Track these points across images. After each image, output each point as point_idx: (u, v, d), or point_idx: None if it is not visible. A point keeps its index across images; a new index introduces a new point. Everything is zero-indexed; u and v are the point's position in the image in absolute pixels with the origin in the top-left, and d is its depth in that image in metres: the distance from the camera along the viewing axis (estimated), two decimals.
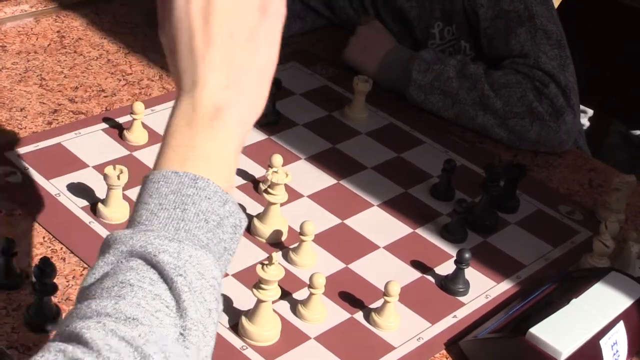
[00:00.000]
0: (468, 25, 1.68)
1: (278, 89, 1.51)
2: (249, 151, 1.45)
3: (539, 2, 1.60)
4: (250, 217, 1.30)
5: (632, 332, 1.16)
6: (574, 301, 1.15)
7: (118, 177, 1.25)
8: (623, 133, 2.59)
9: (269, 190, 1.28)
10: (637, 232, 1.34)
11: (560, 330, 1.10)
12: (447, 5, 1.69)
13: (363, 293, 1.23)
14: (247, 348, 1.13)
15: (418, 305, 1.22)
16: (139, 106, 1.41)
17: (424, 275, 1.28)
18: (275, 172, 1.28)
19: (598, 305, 1.15)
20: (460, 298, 1.25)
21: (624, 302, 1.17)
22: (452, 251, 1.31)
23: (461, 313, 1.23)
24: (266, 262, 1.12)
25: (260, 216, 1.31)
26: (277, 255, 1.25)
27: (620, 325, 1.15)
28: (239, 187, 1.38)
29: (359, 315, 1.20)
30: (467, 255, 1.23)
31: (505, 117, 1.54)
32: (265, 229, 1.29)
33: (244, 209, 1.32)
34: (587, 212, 1.45)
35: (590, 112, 2.55)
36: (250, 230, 1.30)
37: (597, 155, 2.02)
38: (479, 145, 1.56)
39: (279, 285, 1.15)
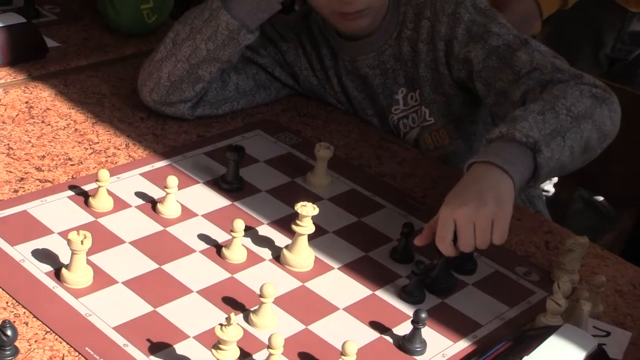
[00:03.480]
0: (431, 91, 1.73)
1: (241, 157, 1.55)
2: (212, 217, 1.49)
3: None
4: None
5: None
6: (525, 359, 1.18)
7: (82, 242, 1.28)
8: (586, 199, 2.64)
9: (298, 222, 1.39)
10: (589, 292, 1.38)
11: None
12: (411, 72, 1.74)
13: (322, 353, 1.25)
14: None
15: None
16: (104, 173, 1.44)
17: (382, 335, 1.31)
18: (304, 205, 1.39)
19: None
20: (417, 357, 1.28)
21: (575, 358, 1.20)
22: (410, 312, 1.34)
23: None
24: (225, 323, 1.14)
25: (289, 247, 1.41)
26: (238, 317, 1.29)
27: None
28: (202, 252, 1.41)
29: None
30: (423, 315, 1.26)
31: (589, 115, 1.49)
32: (294, 258, 1.40)
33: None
34: (543, 273, 1.48)
35: (555, 179, 2.60)
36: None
37: (562, 221, 2.06)
38: (439, 209, 1.60)
39: (238, 346, 1.17)
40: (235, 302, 1.32)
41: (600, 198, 2.62)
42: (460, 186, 1.39)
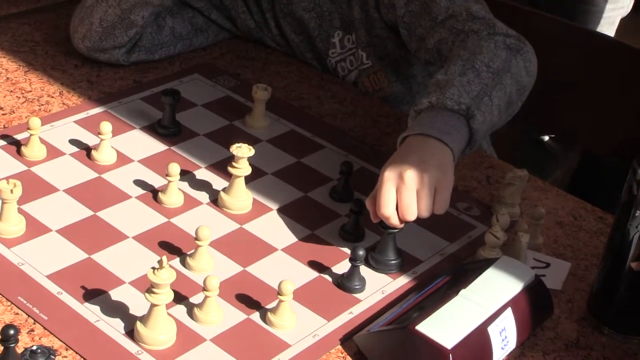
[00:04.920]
0: (366, 34, 1.71)
1: (177, 100, 1.52)
2: (149, 162, 1.47)
3: None
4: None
5: (520, 318, 1.19)
6: (462, 292, 1.18)
7: (11, 191, 1.25)
8: (534, 138, 2.65)
9: (234, 164, 1.37)
10: (528, 224, 1.38)
11: (448, 321, 1.13)
12: (346, 14, 1.72)
13: (259, 294, 1.24)
14: (142, 352, 1.13)
15: (314, 304, 1.24)
16: (35, 121, 1.41)
17: (321, 274, 1.30)
18: (239, 146, 1.36)
19: (486, 293, 1.18)
20: (356, 295, 1.27)
21: (512, 289, 1.20)
22: (349, 250, 1.33)
23: (357, 309, 1.24)
24: (157, 266, 1.13)
25: (226, 189, 1.39)
26: (175, 262, 1.27)
27: (508, 311, 1.17)
28: (138, 198, 1.39)
29: (255, 316, 1.21)
30: (360, 252, 1.25)
31: (507, 69, 1.46)
32: (231, 201, 1.38)
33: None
34: (484, 207, 1.48)
35: None
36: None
37: (510, 161, 2.05)
38: (379, 148, 1.59)
39: (174, 290, 1.16)
40: (172, 247, 1.31)
41: (546, 138, 2.63)
42: (398, 156, 1.31)
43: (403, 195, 1.26)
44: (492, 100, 1.40)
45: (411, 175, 1.26)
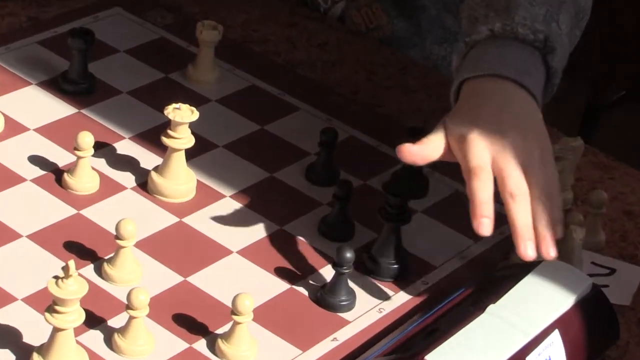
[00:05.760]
0: None
1: (89, 44, 1.53)
2: (50, 131, 1.48)
3: None
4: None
5: (572, 344, 1.20)
6: (491, 308, 1.19)
7: None
8: None
9: (170, 133, 1.38)
10: (585, 214, 1.39)
11: (470, 349, 1.14)
12: None
13: (207, 314, 1.25)
14: None
15: (284, 327, 1.25)
16: None
17: (294, 286, 1.31)
18: (177, 108, 1.37)
19: (524, 310, 1.19)
20: (342, 314, 1.28)
21: (561, 304, 1.21)
22: (332, 252, 1.33)
23: (344, 334, 1.26)
24: (62, 275, 1.13)
25: (159, 168, 1.41)
26: (88, 269, 1.28)
27: (555, 335, 1.18)
28: (35, 181, 1.40)
29: (201, 345, 1.22)
30: (348, 254, 1.26)
31: None
32: (167, 184, 1.40)
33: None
34: None
35: None
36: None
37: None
38: (377, 109, 1.60)
39: (85, 308, 1.16)
40: (83, 248, 1.32)
41: None
42: (483, 109, 1.27)
43: (508, 168, 1.21)
44: (560, 28, 1.38)
45: (514, 146, 1.22)
